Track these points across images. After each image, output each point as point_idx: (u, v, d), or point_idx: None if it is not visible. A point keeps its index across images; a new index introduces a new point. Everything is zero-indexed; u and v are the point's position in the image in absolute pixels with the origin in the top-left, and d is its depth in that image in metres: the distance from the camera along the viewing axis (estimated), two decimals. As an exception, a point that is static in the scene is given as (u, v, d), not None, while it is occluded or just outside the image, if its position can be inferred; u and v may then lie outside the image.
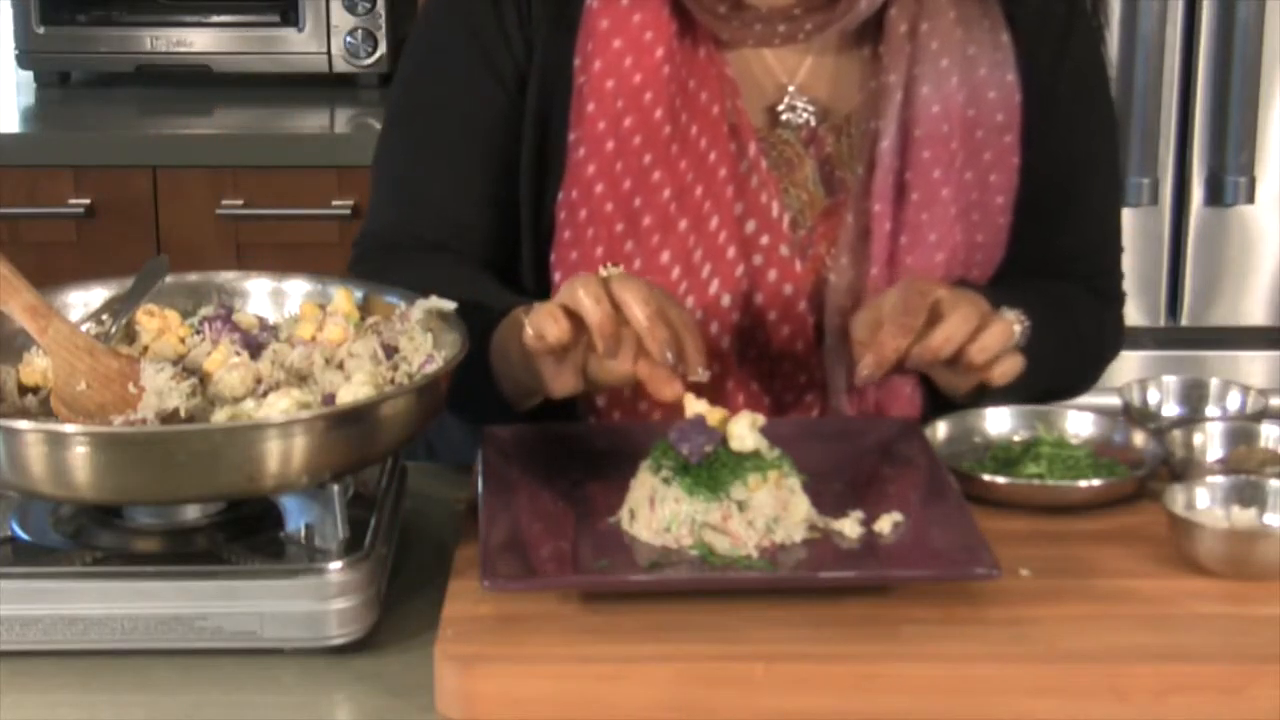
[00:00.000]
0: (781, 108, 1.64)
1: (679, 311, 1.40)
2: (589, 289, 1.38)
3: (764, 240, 1.60)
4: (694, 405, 1.38)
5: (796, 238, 1.62)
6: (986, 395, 1.55)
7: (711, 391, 1.52)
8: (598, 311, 1.37)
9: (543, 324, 1.39)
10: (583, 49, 1.60)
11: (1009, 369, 1.48)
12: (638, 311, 1.37)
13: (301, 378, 1.40)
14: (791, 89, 1.65)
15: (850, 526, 1.36)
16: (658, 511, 1.34)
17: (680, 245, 1.58)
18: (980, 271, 1.65)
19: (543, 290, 1.62)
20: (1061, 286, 1.70)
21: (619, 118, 1.58)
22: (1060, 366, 1.66)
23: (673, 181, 1.58)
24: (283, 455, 1.27)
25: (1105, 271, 1.78)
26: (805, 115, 1.64)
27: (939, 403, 1.61)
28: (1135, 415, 1.60)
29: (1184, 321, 2.85)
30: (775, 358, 1.62)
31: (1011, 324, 1.47)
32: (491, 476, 1.40)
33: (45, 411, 1.38)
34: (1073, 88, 1.69)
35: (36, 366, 1.41)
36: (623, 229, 1.59)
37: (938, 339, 1.43)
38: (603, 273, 1.40)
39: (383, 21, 3.04)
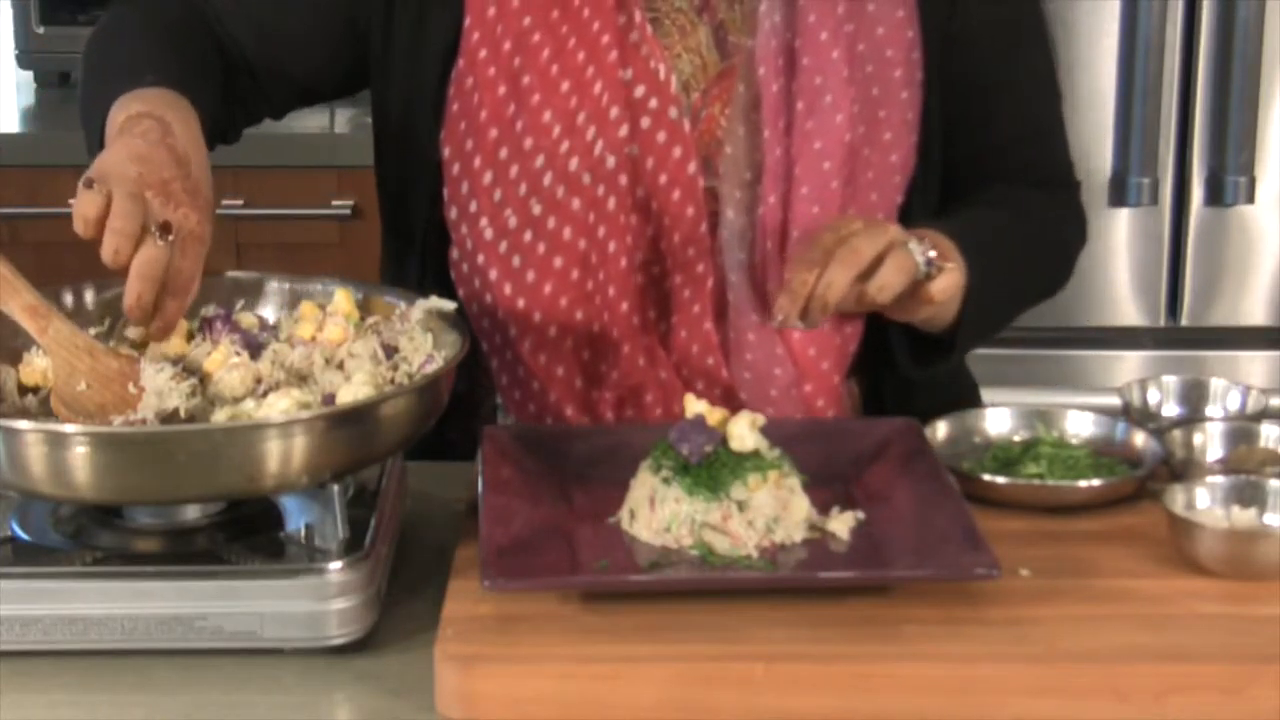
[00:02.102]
0: None
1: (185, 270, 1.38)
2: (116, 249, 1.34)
3: (652, 103, 1.62)
4: (694, 405, 1.38)
5: (688, 101, 1.64)
6: (966, 322, 1.59)
7: (596, 257, 1.60)
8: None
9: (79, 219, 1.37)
10: None
11: (944, 285, 1.51)
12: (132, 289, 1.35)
13: (301, 378, 1.40)
14: None
15: (847, 526, 1.36)
16: (658, 511, 1.34)
17: (563, 106, 1.61)
18: (898, 154, 1.65)
19: (432, 168, 1.66)
20: (1016, 194, 1.71)
21: None
22: (1030, 278, 1.69)
23: (553, 43, 1.62)
24: (283, 455, 1.27)
25: (1049, 159, 1.78)
26: None
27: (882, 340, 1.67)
28: (1135, 415, 1.60)
29: (1184, 321, 2.85)
30: (666, 226, 1.63)
31: (911, 255, 1.49)
32: (491, 476, 1.40)
33: (45, 411, 1.38)
34: None
35: (36, 366, 1.41)
36: (505, 91, 1.62)
37: (820, 285, 1.46)
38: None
39: (383, 21, 3.04)
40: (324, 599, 1.28)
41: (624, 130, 1.61)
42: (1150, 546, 1.38)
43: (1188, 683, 1.20)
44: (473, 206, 1.63)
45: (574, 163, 1.60)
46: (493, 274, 1.63)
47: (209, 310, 1.49)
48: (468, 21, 1.63)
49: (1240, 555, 1.32)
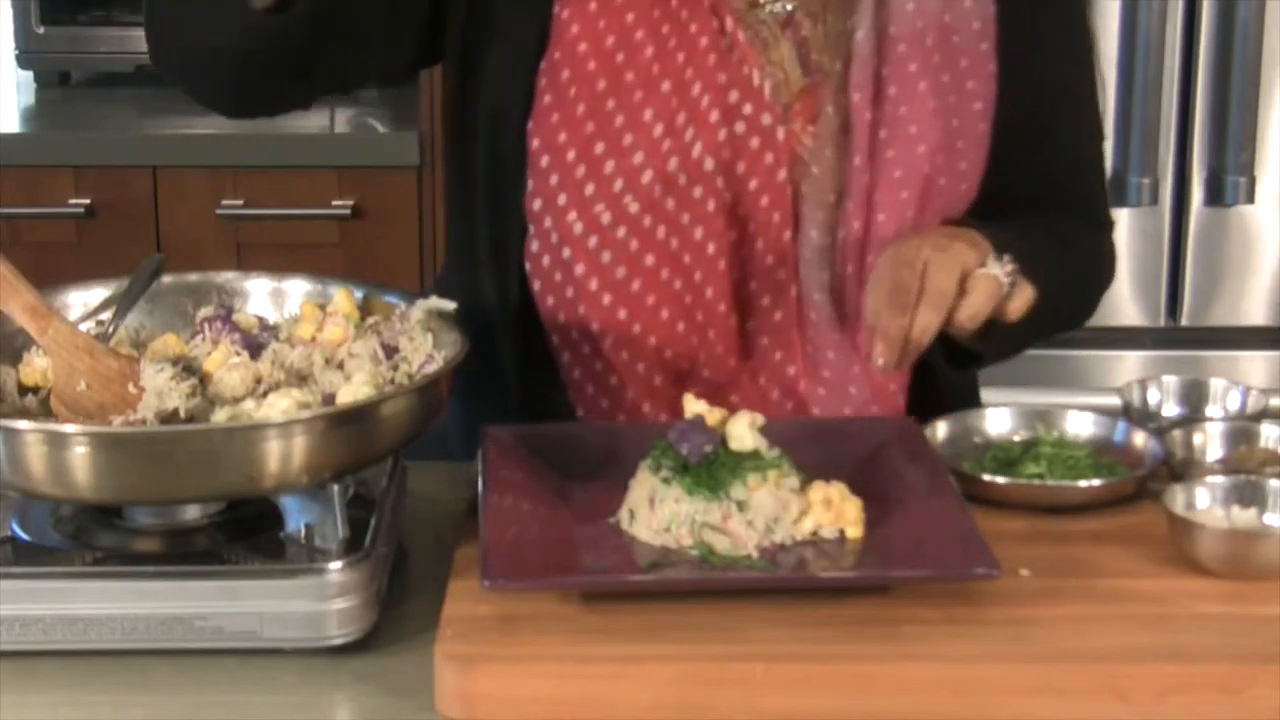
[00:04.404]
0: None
1: None
2: None
3: (747, 109, 1.62)
4: (693, 405, 1.38)
5: (775, 108, 1.64)
6: (994, 334, 1.58)
7: (690, 258, 1.60)
8: None
9: None
10: None
11: (1019, 305, 1.53)
12: None
13: (301, 378, 1.40)
14: None
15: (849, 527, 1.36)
16: (658, 511, 1.34)
17: (664, 105, 1.60)
18: (966, 183, 1.66)
19: (518, 159, 1.63)
20: (1060, 222, 1.72)
21: None
22: (1064, 303, 1.69)
23: (655, 42, 1.61)
24: (283, 455, 1.27)
25: (1090, 194, 1.80)
26: (784, 6, 1.65)
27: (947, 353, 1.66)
28: (1135, 415, 1.60)
29: (1184, 321, 2.85)
30: (751, 232, 1.63)
31: (997, 278, 1.51)
32: (491, 476, 1.40)
33: (45, 411, 1.39)
34: (1050, 12, 1.72)
35: (36, 366, 1.41)
36: (605, 86, 1.61)
37: (915, 329, 1.47)
38: None
39: (383, 21, 3.04)
40: (324, 599, 1.28)
41: (722, 134, 1.61)
42: (1150, 546, 1.38)
43: (1188, 683, 1.20)
44: (561, 199, 1.62)
45: (673, 163, 1.60)
46: (579, 268, 1.62)
47: (209, 310, 1.49)
48: (564, 12, 1.62)
49: (1240, 555, 1.32)
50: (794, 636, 1.24)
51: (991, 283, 1.50)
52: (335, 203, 2.86)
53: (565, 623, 1.25)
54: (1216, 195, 2.80)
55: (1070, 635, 1.24)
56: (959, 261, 1.50)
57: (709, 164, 1.60)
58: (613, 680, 1.20)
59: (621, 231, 1.61)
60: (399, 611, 1.34)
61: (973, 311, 1.50)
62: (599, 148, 1.61)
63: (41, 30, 3.08)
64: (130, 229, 2.87)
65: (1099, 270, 1.80)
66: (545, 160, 1.62)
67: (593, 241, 1.61)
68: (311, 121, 3.03)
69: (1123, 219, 2.81)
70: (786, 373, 1.65)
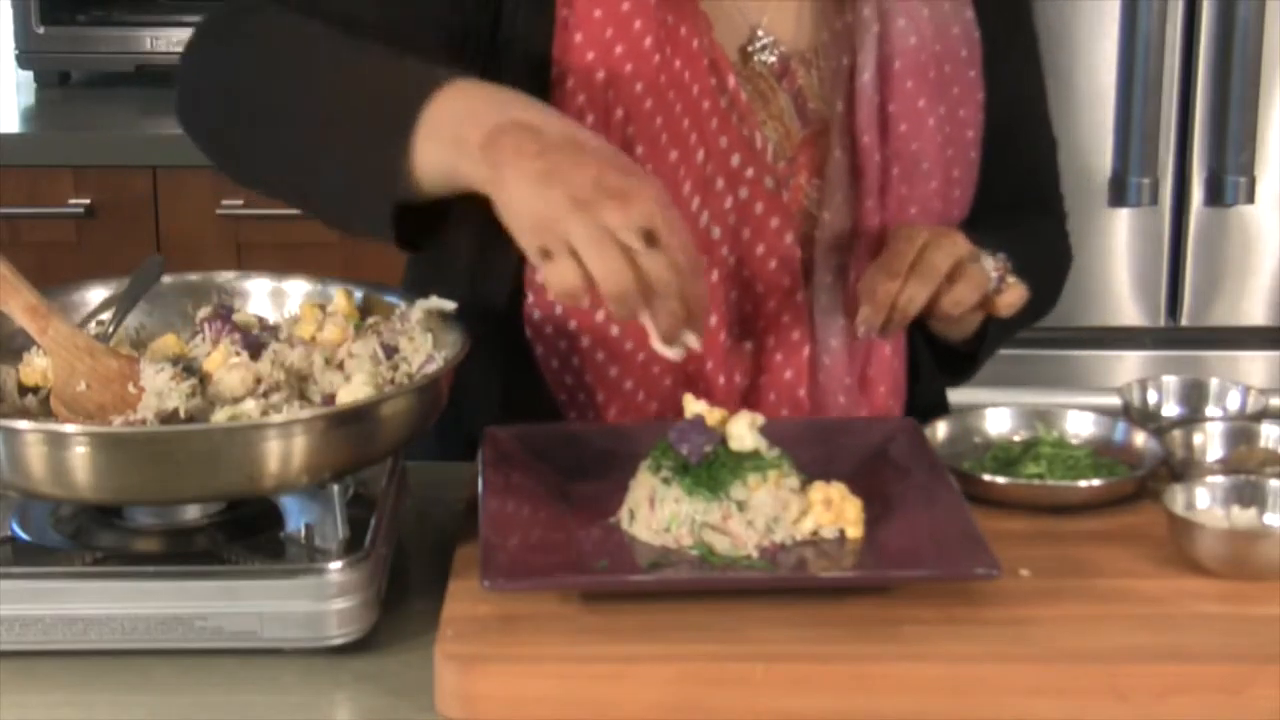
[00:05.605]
0: (752, 48, 1.64)
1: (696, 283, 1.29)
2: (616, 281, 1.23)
3: (749, 173, 1.60)
4: (693, 405, 1.38)
5: (778, 169, 1.63)
6: (987, 339, 1.63)
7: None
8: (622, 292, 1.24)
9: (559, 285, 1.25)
10: None
11: (1011, 300, 1.56)
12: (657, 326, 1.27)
13: (301, 378, 1.40)
14: (760, 30, 1.64)
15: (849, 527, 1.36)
16: (658, 511, 1.34)
17: (671, 177, 1.56)
18: (959, 209, 1.67)
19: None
20: (1028, 219, 1.76)
21: (609, 46, 1.54)
22: (1037, 296, 1.70)
23: (663, 111, 1.56)
24: (283, 455, 1.27)
25: (1050, 189, 1.84)
26: (774, 54, 1.64)
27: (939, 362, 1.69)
28: (1135, 415, 1.60)
29: (1184, 321, 2.85)
30: (760, 294, 1.62)
31: (985, 272, 1.54)
32: (491, 476, 1.40)
33: (45, 411, 1.39)
34: (1018, 29, 1.74)
35: (36, 366, 1.41)
36: None
37: (903, 298, 1.50)
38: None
39: (383, 21, 3.04)
40: (324, 599, 1.28)
41: (728, 202, 1.58)
42: (1150, 546, 1.38)
43: (1188, 683, 1.20)
44: None
45: None
46: (584, 340, 1.58)
47: (209, 310, 1.49)
48: (570, 81, 1.54)
49: (1240, 555, 1.32)
50: (794, 636, 1.24)
51: (978, 274, 1.53)
52: (335, 203, 2.86)
53: (565, 623, 1.25)
54: (1216, 195, 2.80)
55: (1070, 635, 1.24)
56: (956, 249, 1.53)
57: (716, 233, 1.58)
58: (613, 680, 1.20)
59: None
60: (399, 611, 1.34)
61: (957, 298, 1.51)
62: None
63: (41, 30, 3.08)
64: (130, 229, 2.87)
65: (1061, 260, 1.84)
66: None
67: (599, 315, 1.57)
68: (311, 121, 3.03)
69: (1123, 219, 2.81)
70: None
